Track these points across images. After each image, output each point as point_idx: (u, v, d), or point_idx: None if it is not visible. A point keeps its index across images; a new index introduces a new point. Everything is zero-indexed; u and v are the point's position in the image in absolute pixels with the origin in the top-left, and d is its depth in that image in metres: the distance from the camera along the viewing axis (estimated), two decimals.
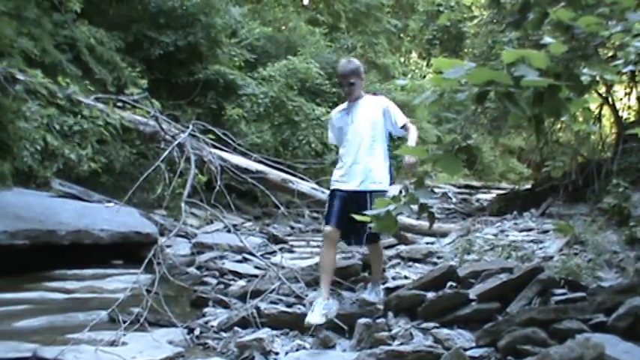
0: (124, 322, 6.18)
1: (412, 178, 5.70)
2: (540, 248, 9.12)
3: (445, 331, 5.57)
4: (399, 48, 33.63)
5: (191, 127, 10.66)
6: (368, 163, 6.35)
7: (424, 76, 30.68)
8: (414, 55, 35.64)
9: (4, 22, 10.78)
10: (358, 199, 6.19)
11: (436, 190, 21.70)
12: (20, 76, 10.03)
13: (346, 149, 6.50)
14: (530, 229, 11.09)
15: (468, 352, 5.04)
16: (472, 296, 5.98)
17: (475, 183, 26.10)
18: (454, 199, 20.83)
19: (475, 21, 22.62)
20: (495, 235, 10.59)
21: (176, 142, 10.09)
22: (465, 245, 9.42)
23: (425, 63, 33.16)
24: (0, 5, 10.62)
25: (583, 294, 5.93)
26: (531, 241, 9.83)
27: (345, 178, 6.41)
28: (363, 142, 6.40)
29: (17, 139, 11.12)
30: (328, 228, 6.33)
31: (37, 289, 8.19)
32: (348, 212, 5.48)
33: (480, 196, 22.05)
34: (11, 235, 8.94)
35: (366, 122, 6.45)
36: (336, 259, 6.63)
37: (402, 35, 33.34)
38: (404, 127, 6.47)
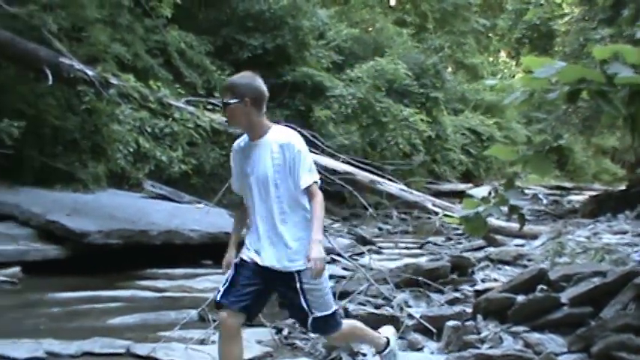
0: (214, 321, 6.26)
1: (317, 277, 4.28)
2: (635, 251, 8.83)
3: (536, 335, 5.45)
4: (487, 47, 33.28)
5: None
6: (284, 237, 4.36)
7: (513, 76, 30.25)
8: (502, 54, 35.18)
9: (99, 29, 11.09)
10: (283, 278, 4.37)
11: (526, 191, 21.31)
12: (114, 81, 10.29)
13: (253, 210, 4.46)
14: (624, 232, 10.77)
15: (560, 358, 4.92)
16: (564, 300, 5.83)
17: (567, 184, 25.58)
18: (545, 201, 20.45)
19: (566, 18, 22.12)
20: (588, 237, 10.32)
21: None
22: (556, 248, 9.21)
23: (514, 62, 32.67)
24: (95, 13, 10.92)
25: None
26: (626, 244, 9.53)
27: (260, 252, 4.39)
28: (272, 207, 4.38)
29: (111, 142, 11.46)
30: (222, 313, 4.36)
31: (129, 287, 8.43)
32: (263, 287, 4.39)
33: (571, 197, 21.58)
34: (106, 235, 9.20)
35: (270, 178, 4.34)
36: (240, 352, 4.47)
37: (490, 34, 32.94)
38: (308, 190, 4.36)
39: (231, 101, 4.32)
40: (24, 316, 6.91)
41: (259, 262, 4.37)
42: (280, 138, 4.35)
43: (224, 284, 4.40)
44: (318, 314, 4.37)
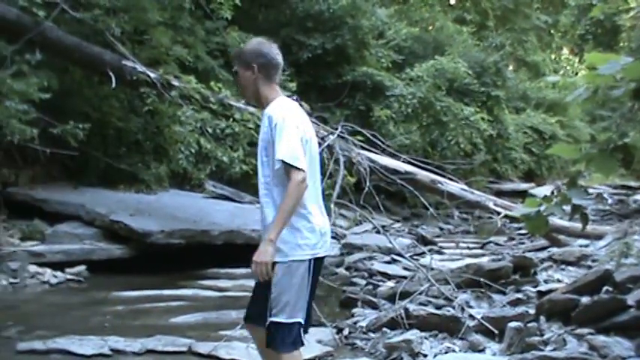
0: None
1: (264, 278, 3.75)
2: None
3: (601, 338, 5.33)
4: (549, 44, 32.75)
5: (340, 128, 10.74)
6: (267, 218, 3.89)
7: (576, 73, 29.74)
8: (565, 51, 34.63)
9: (161, 31, 11.22)
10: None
11: (590, 190, 20.93)
12: (175, 83, 10.40)
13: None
14: None
15: None
16: (630, 302, 5.69)
17: (632, 183, 24.96)
18: (610, 200, 20.03)
19: (632, 13, 21.65)
20: None
21: (325, 144, 10.20)
22: (622, 249, 9.00)
23: (577, 59, 32.12)
24: (157, 16, 11.05)
25: None
26: None
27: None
28: (261, 188, 3.96)
29: (173, 143, 11.61)
30: None
31: (191, 286, 8.54)
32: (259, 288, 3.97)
33: (637, 197, 21.06)
34: (168, 235, 9.33)
35: (260, 155, 3.97)
36: None
37: (552, 31, 32.44)
38: (285, 166, 3.75)
39: (239, 69, 4.04)
40: (90, 313, 7.08)
41: None
42: (269, 110, 3.92)
43: None
44: (274, 319, 3.78)
